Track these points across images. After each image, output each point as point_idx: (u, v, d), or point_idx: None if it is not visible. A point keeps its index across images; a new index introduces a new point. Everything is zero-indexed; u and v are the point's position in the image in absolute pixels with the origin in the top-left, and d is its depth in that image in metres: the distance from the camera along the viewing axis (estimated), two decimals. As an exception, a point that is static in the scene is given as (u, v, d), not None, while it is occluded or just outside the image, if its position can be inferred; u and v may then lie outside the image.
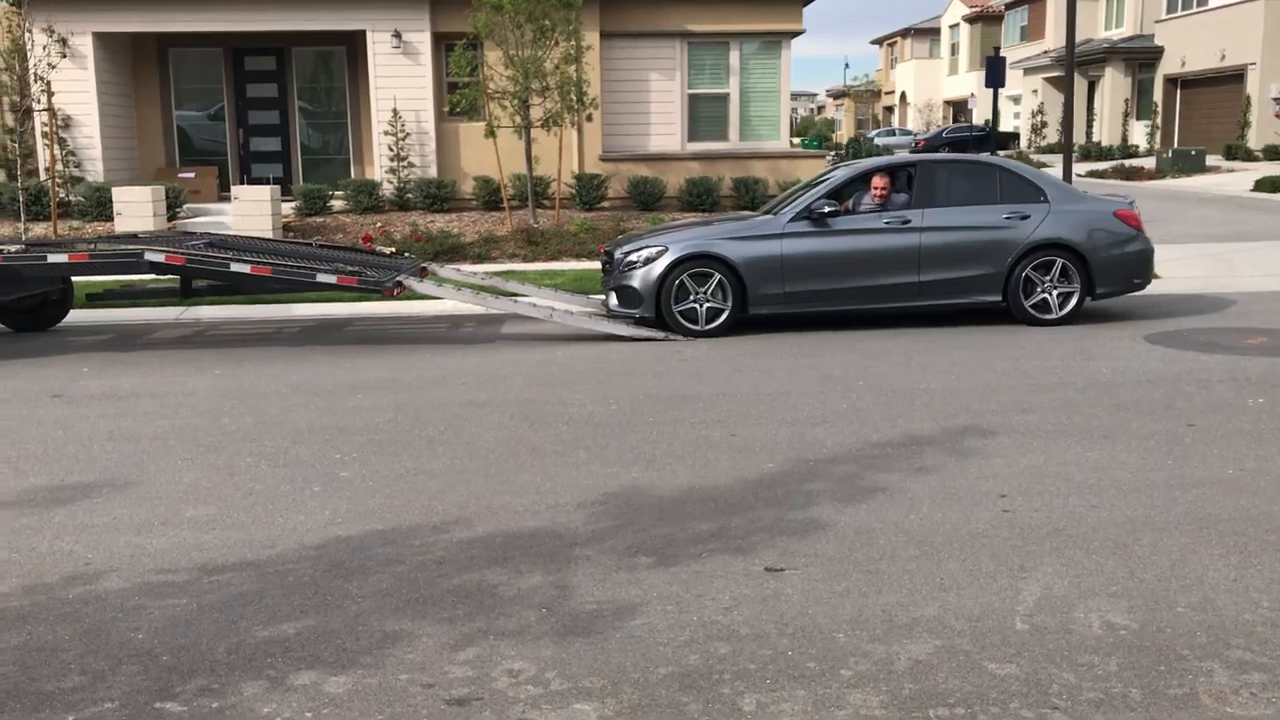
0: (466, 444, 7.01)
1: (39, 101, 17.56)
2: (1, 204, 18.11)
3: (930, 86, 61.50)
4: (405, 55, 19.63)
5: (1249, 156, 32.18)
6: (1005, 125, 50.18)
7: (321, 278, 10.21)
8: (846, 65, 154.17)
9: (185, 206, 19.24)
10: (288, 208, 19.18)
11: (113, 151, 19.91)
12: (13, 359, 10.36)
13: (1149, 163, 32.95)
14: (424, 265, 12.20)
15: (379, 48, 19.59)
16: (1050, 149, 41.00)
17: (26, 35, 17.72)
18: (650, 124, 20.84)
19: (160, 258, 10.12)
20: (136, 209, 17.36)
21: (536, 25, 17.68)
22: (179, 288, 11.58)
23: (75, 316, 12.31)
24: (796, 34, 20.84)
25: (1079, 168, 35.22)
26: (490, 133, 17.92)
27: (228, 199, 19.20)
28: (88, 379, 9.39)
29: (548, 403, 8.09)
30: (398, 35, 19.49)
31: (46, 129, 18.48)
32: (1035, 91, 47.23)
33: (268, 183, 19.26)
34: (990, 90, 25.75)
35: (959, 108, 57.87)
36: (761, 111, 21.14)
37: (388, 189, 19.72)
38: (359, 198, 19.45)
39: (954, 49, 60.06)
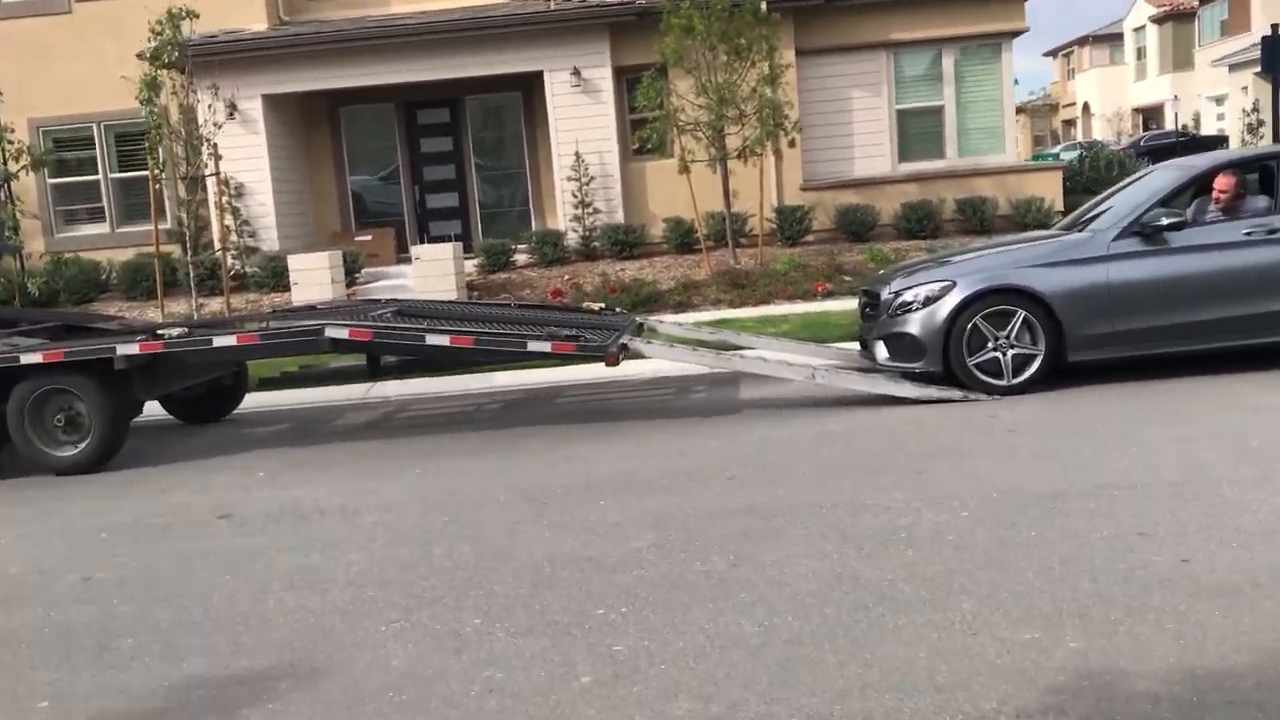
0: (775, 586, 4.79)
1: (208, 168, 16.32)
2: (177, 280, 16.93)
3: (1116, 94, 57.35)
4: (585, 94, 17.81)
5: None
6: (1207, 128, 45.97)
7: (534, 346, 8.22)
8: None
9: (364, 271, 17.77)
10: (470, 265, 17.51)
11: (287, 218, 18.63)
12: (179, 461, 8.67)
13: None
14: (640, 321, 10.15)
15: (557, 88, 17.83)
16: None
17: (194, 99, 16.55)
18: (855, 146, 18.52)
19: (344, 333, 8.30)
20: (313, 277, 15.89)
21: (731, 45, 15.63)
22: (365, 365, 9.77)
23: (249, 399, 10.68)
24: (1019, 33, 18.28)
25: None
26: (684, 168, 15.91)
27: (407, 260, 17.65)
28: (263, 488, 7.58)
29: (860, 508, 5.83)
30: (577, 73, 17.70)
31: (218, 198, 17.27)
32: (1245, 89, 43.02)
33: (448, 240, 17.65)
34: (1270, 76, 22.28)
35: (1149, 114, 53.67)
36: (982, 123, 18.59)
37: (572, 238, 17.89)
38: (543, 249, 17.66)
39: (1140, 53, 55.87)
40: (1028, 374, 8.41)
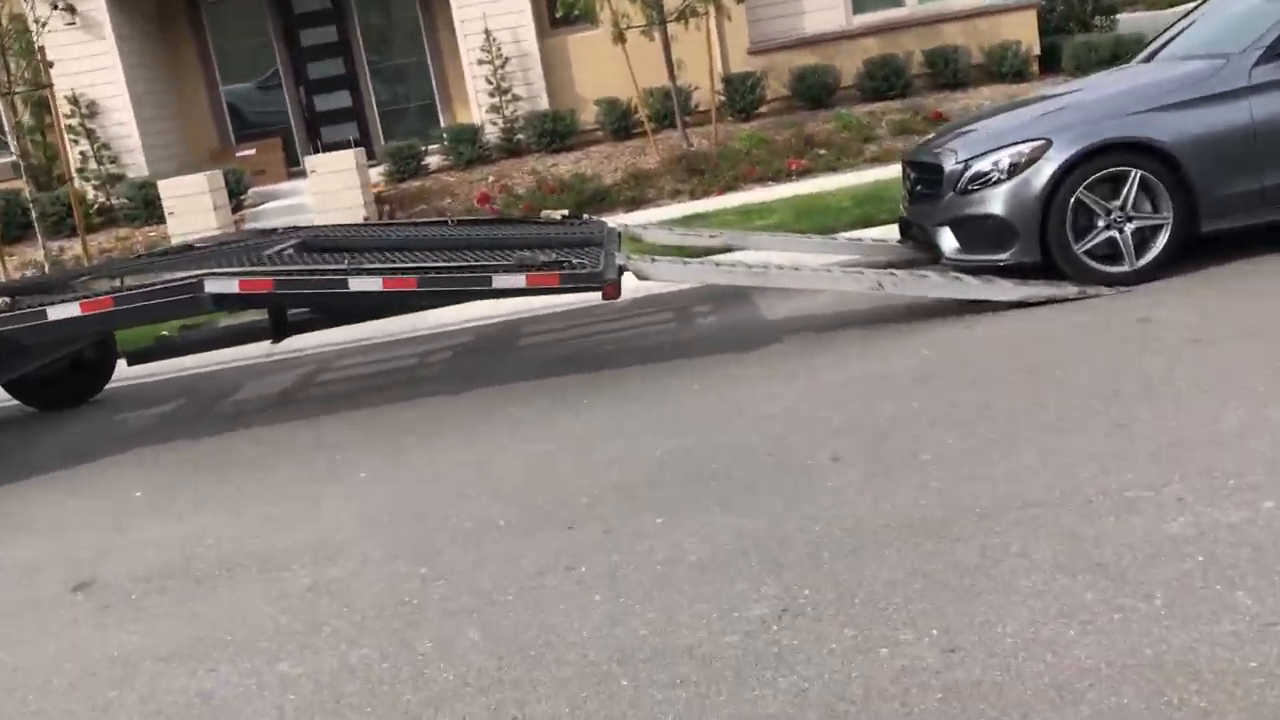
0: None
1: (46, 81, 13.34)
2: (29, 222, 14.07)
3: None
4: (490, -41, 15.09)
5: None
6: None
7: (502, 281, 5.90)
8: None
9: (250, 192, 15.04)
10: (375, 174, 14.88)
11: (154, 138, 15.73)
12: (24, 479, 6.25)
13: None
14: (617, 229, 7.86)
15: (456, -45, 15.08)
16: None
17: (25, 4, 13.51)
18: (804, -1, 16.11)
19: (232, 286, 5.88)
20: (191, 204, 13.17)
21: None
22: (266, 323, 7.35)
23: (122, 370, 8.19)
24: None
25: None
26: (619, 36, 13.41)
27: (300, 174, 14.96)
28: (140, 521, 5.24)
29: (1087, 505, 3.71)
30: (477, -65, 14.94)
31: (67, 120, 14.34)
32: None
33: (347, 147, 14.97)
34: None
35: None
36: (942, -39, 16.26)
37: (492, 132, 15.32)
38: (459, 149, 15.06)
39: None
40: (1154, 253, 6.33)
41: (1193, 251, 6.41)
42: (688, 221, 10.74)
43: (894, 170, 11.99)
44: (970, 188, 6.57)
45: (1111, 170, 6.27)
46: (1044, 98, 7.50)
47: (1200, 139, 6.23)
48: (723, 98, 14.87)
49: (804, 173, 12.78)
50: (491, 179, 14.26)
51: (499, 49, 15.22)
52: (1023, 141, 6.41)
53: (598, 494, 4.45)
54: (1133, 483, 3.70)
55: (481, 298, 6.40)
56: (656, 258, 6.47)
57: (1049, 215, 6.29)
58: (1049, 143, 6.32)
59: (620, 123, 15.06)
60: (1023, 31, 15.67)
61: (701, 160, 13.32)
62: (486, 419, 5.88)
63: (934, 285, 6.34)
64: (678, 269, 6.26)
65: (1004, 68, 15.18)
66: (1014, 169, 6.39)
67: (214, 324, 8.08)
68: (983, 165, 6.54)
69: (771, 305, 7.21)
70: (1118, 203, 6.31)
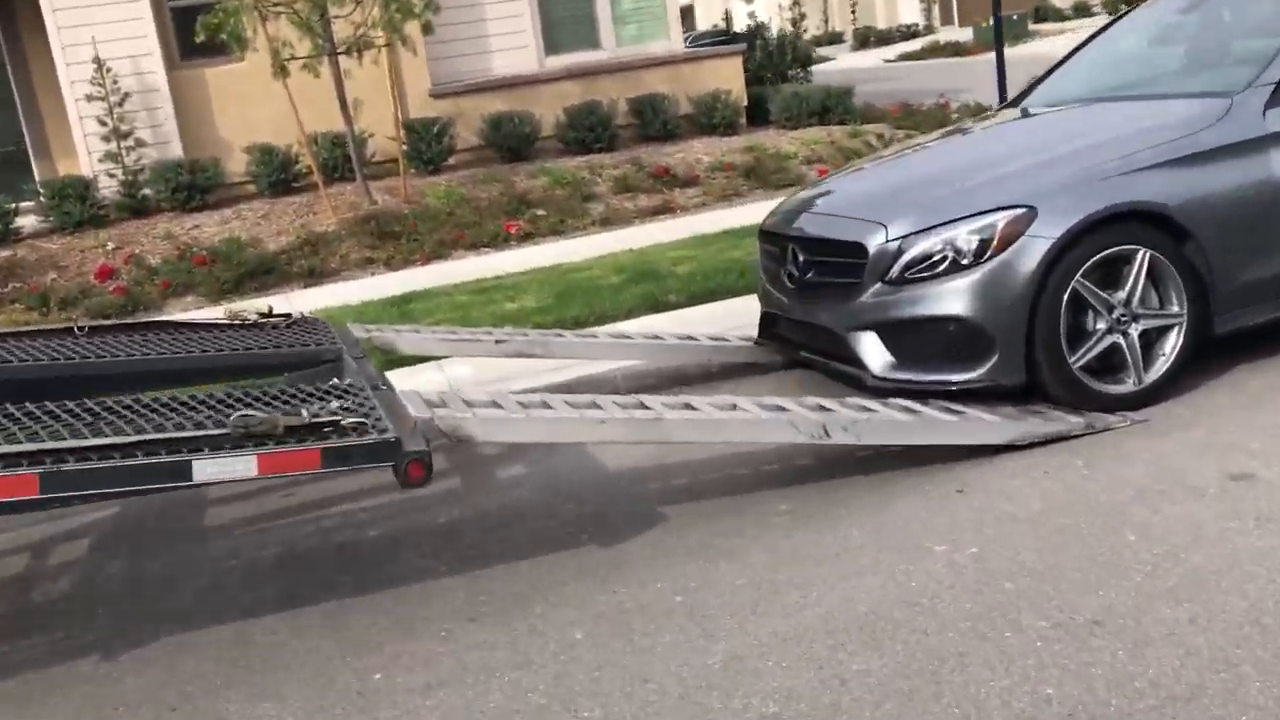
0: None
1: None
2: None
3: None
4: (98, -29, 11.66)
5: (1059, 17, 28.33)
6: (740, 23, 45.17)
7: (211, 469, 3.09)
8: None
9: None
10: (-59, 243, 11.00)
11: None
12: None
13: (963, 35, 28.57)
14: (357, 334, 5.11)
15: (51, -37, 11.53)
16: (821, 40, 36.17)
17: None
18: (490, 36, 13.76)
19: None
20: None
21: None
22: None
23: None
24: (677, -117, 14.26)
25: (874, 54, 30.62)
26: (281, 69, 10.49)
27: None
28: None
29: None
30: (79, -62, 11.48)
31: None
32: (771, -16, 42.35)
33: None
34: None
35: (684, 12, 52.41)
36: (639, 2, 14.50)
37: (109, 186, 11.81)
38: (64, 207, 11.42)
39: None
40: (1165, 363, 4.47)
41: (1218, 355, 4.60)
42: (403, 306, 8.06)
43: (634, 235, 9.99)
44: (912, 276, 4.45)
45: (1114, 250, 4.36)
46: (953, 142, 5.50)
47: (1213, 205, 4.45)
48: (404, 147, 12.19)
49: (525, 237, 10.40)
50: (113, 246, 10.80)
51: (115, 82, 11.78)
52: (994, 210, 4.36)
53: None
54: None
55: (173, 489, 3.49)
56: (473, 402, 3.82)
57: (1036, 315, 4.28)
58: (1033, 212, 4.31)
59: (279, 174, 12.04)
60: (730, 80, 14.16)
61: (393, 221, 10.61)
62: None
63: (900, 428, 4.12)
64: (518, 423, 3.66)
65: (715, 119, 13.60)
66: (984, 249, 4.33)
67: None
68: (930, 244, 4.43)
69: (590, 456, 4.77)
70: (1120, 295, 4.40)
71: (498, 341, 5.34)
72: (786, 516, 3.99)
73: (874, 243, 4.54)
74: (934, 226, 4.43)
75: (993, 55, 14.21)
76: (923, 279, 4.42)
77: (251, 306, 5.40)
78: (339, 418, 3.39)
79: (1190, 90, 4.93)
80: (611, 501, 4.41)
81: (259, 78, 11.02)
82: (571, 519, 4.27)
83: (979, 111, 12.52)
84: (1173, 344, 4.47)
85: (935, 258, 4.41)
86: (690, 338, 5.80)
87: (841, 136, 12.71)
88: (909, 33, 33.95)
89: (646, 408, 4.00)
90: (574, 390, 5.73)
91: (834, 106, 13.84)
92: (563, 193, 11.33)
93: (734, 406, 4.16)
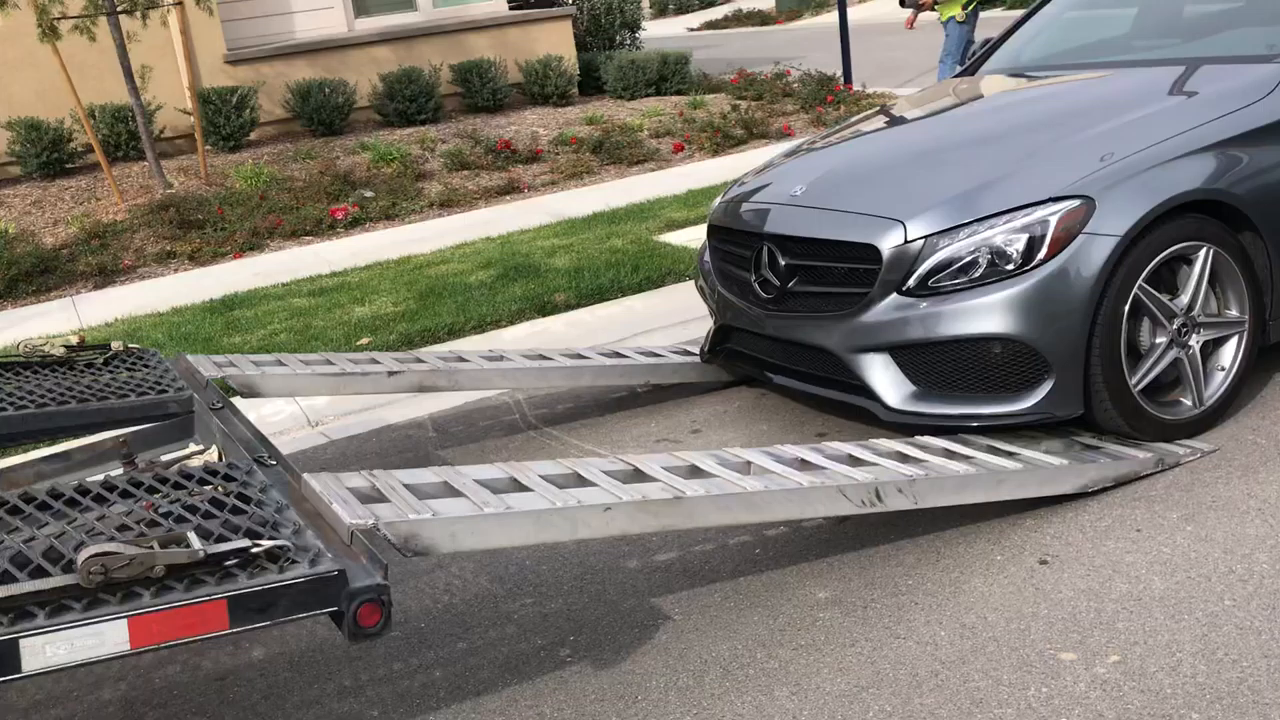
0: None
1: None
2: None
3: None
4: None
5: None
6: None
7: (55, 653, 1.89)
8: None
9: None
10: None
11: None
12: None
13: (764, 4, 28.19)
14: (205, 376, 3.83)
15: None
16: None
17: None
18: (291, -6, 12.22)
19: None
20: None
21: None
22: None
23: None
24: None
25: (676, 22, 29.93)
26: (50, 30, 8.79)
27: None
28: None
29: None
30: None
31: None
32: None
33: None
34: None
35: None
36: (454, -42, 13.18)
37: None
38: None
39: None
40: (1226, 379, 3.75)
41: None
42: (226, 314, 6.70)
43: (485, 220, 8.78)
44: (939, 285, 3.56)
45: (1178, 248, 3.60)
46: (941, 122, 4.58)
47: (1275, 189, 3.74)
48: (200, 121, 10.56)
49: (354, 223, 9.08)
50: None
51: None
52: (1043, 203, 3.50)
53: None
54: None
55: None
56: (418, 488, 2.68)
57: (1094, 331, 3.46)
58: (1091, 204, 3.48)
59: (50, 154, 10.22)
60: (560, 46, 13.05)
61: (195, 208, 9.08)
62: None
63: (961, 484, 3.21)
64: (496, 522, 2.53)
65: (548, 88, 12.51)
66: (1032, 251, 3.47)
67: None
68: (963, 245, 3.54)
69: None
70: (1182, 301, 3.65)
71: (391, 374, 4.16)
72: (835, 611, 3.04)
73: (889, 244, 3.62)
74: (967, 224, 3.55)
75: (799, 24, 13.69)
76: (954, 289, 3.54)
77: (53, 338, 4.03)
78: (246, 544, 2.21)
79: (1233, 53, 4.20)
80: (592, 593, 3.35)
81: (21, 40, 9.25)
82: (537, 621, 3.20)
83: (825, 81, 11.86)
84: (1232, 355, 3.76)
85: (969, 262, 3.53)
86: (619, 354, 4.76)
87: (685, 108, 11.83)
88: (708, 1, 33.44)
89: (644, 475, 2.97)
90: (470, 419, 4.67)
91: (670, 75, 12.98)
92: (390, 170, 10.03)
93: (749, 466, 3.17)
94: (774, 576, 3.28)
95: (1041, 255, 3.46)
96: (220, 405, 3.47)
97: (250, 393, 3.87)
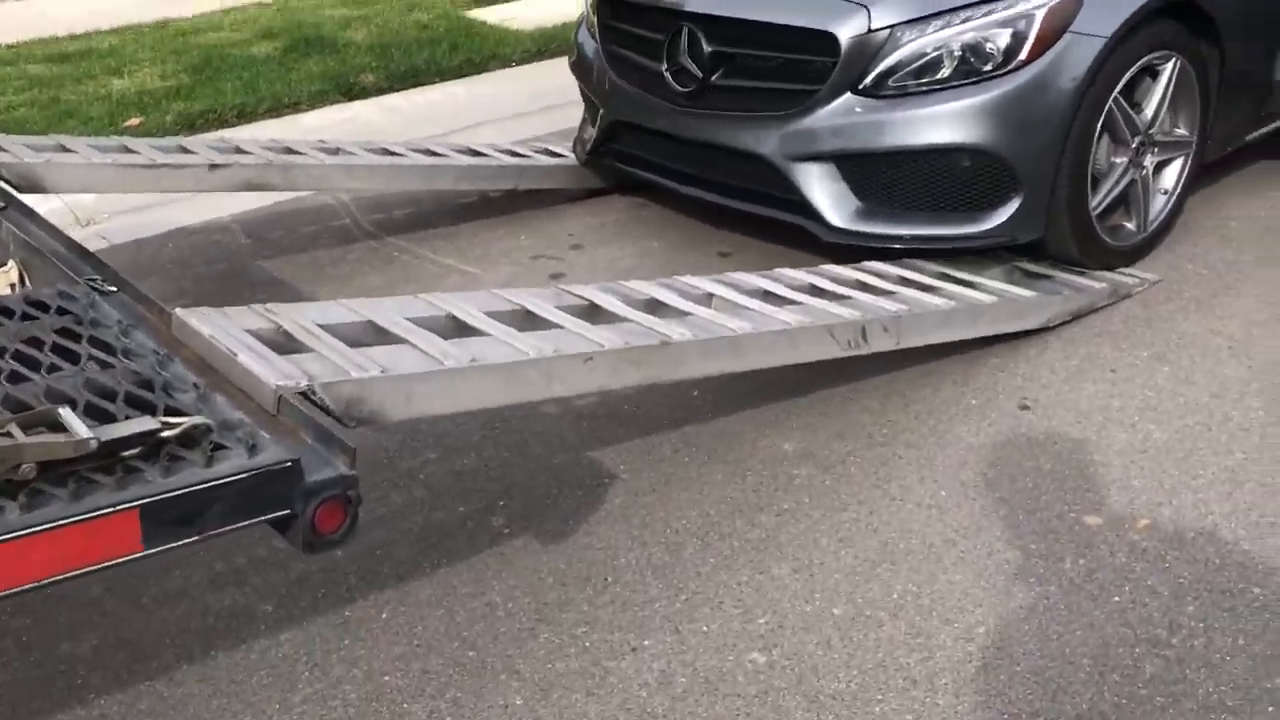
0: None
1: None
2: None
3: None
4: None
5: None
6: None
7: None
8: None
9: None
10: None
11: None
12: None
13: None
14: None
15: None
16: None
17: None
18: None
19: None
20: None
21: None
22: None
23: None
24: None
25: None
26: None
27: None
28: None
29: None
30: None
31: None
32: None
33: None
34: None
35: None
36: None
37: None
38: None
39: None
40: (1169, 200, 3.55)
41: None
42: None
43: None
44: (901, 85, 3.09)
45: (1152, 56, 3.27)
46: None
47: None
48: None
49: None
50: None
51: None
52: (1024, -7, 3.06)
53: None
54: None
55: None
56: (369, 355, 1.99)
57: (1066, 145, 3.12)
58: (1078, -1, 3.07)
59: None
60: None
61: None
62: None
63: (942, 320, 2.82)
64: (457, 379, 1.90)
65: None
66: (1014, 50, 3.05)
67: None
68: (935, 39, 3.07)
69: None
70: (1146, 116, 3.36)
71: (213, 166, 3.33)
72: (810, 467, 2.64)
73: (848, 31, 3.10)
74: (941, 14, 3.07)
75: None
76: (920, 91, 3.08)
77: None
78: (153, 426, 1.54)
79: None
80: (510, 445, 2.81)
81: None
82: (450, 482, 2.65)
83: None
84: (1175, 177, 3.54)
85: (938, 59, 3.07)
86: (479, 153, 4.07)
87: None
88: None
89: (607, 313, 2.42)
90: (288, 223, 3.93)
91: None
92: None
93: (710, 300, 2.67)
94: (723, 425, 2.84)
95: (1023, 56, 3.04)
96: (3, 205, 2.61)
97: (30, 187, 2.97)
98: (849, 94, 3.14)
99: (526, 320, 2.33)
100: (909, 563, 2.33)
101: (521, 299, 2.39)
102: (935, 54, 3.08)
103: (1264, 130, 3.87)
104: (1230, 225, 3.74)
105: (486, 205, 4.30)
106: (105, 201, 4.29)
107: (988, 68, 3.05)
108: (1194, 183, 3.64)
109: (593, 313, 2.43)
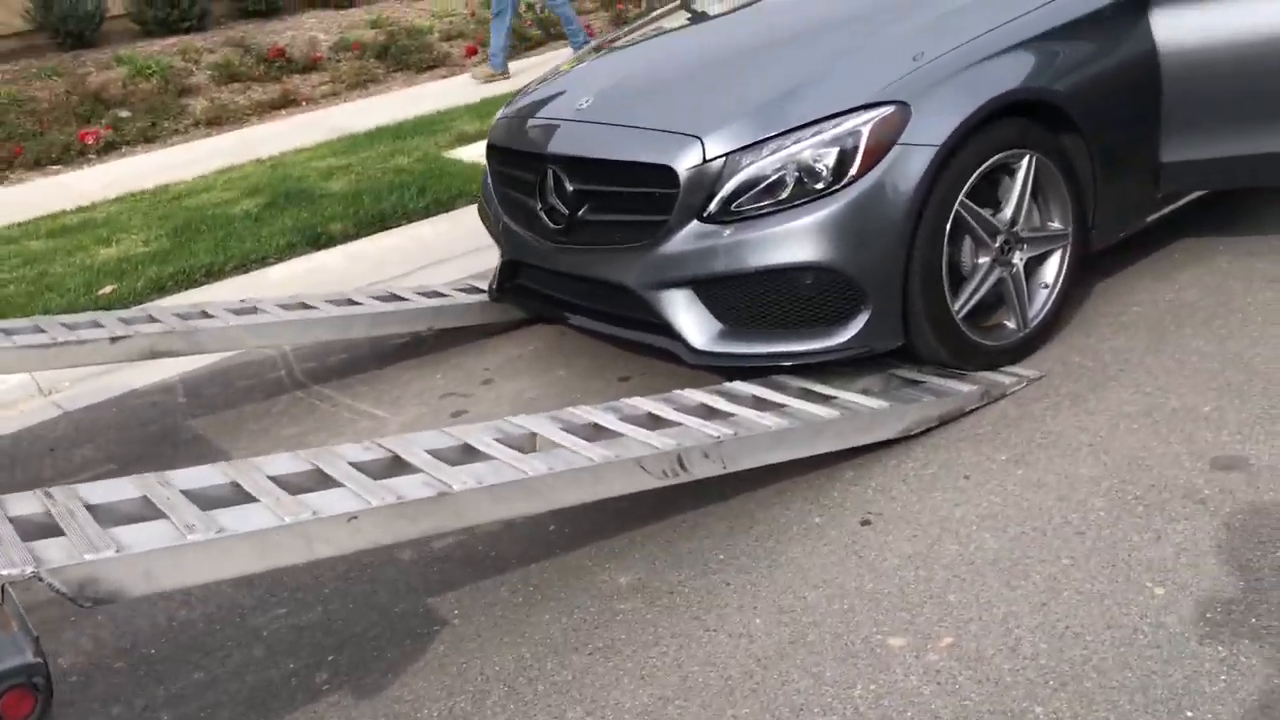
0: None
1: None
2: None
3: None
4: None
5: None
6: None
7: None
8: None
9: None
10: None
11: None
12: None
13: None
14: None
15: None
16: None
17: None
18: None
19: None
20: None
21: None
22: None
23: None
24: None
25: None
26: None
27: None
28: None
29: None
30: None
31: None
32: None
33: None
34: None
35: None
36: None
37: None
38: None
39: None
40: (1050, 295, 3.51)
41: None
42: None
43: (256, 138, 7.94)
44: (742, 209, 3.16)
45: (1001, 156, 3.28)
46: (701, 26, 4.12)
47: (1098, 87, 3.46)
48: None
49: (108, 148, 8.21)
50: None
51: None
52: (853, 111, 3.11)
53: None
54: None
55: None
56: (115, 534, 2.11)
57: (914, 253, 3.13)
58: (906, 110, 3.11)
59: None
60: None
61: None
62: None
63: (776, 441, 2.84)
64: (203, 551, 2.01)
65: (330, -18, 11.60)
66: (844, 166, 3.09)
67: None
68: (767, 162, 3.14)
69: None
70: (1005, 215, 3.35)
71: (115, 339, 3.54)
72: (638, 600, 2.66)
73: (685, 164, 3.19)
74: (770, 138, 3.14)
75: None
76: (760, 214, 3.15)
77: None
78: None
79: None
80: (358, 596, 2.89)
81: None
82: (290, 638, 2.73)
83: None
84: (1055, 270, 3.51)
85: (775, 181, 3.14)
86: (396, 297, 4.24)
87: (478, 7, 11.11)
88: None
89: (405, 465, 2.50)
90: (228, 379, 4.11)
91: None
92: (150, 86, 9.08)
93: (534, 440, 2.74)
94: (570, 560, 2.88)
95: (853, 171, 3.08)
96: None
97: None
98: (696, 221, 3.22)
99: (318, 480, 2.43)
100: (701, 698, 2.33)
101: (318, 459, 2.49)
102: (775, 176, 3.14)
103: (1166, 211, 3.82)
104: (1132, 311, 3.68)
105: (417, 345, 4.46)
106: (69, 370, 4.55)
107: (820, 186, 3.10)
108: (1099, 268, 3.60)
109: (391, 466, 2.51)
